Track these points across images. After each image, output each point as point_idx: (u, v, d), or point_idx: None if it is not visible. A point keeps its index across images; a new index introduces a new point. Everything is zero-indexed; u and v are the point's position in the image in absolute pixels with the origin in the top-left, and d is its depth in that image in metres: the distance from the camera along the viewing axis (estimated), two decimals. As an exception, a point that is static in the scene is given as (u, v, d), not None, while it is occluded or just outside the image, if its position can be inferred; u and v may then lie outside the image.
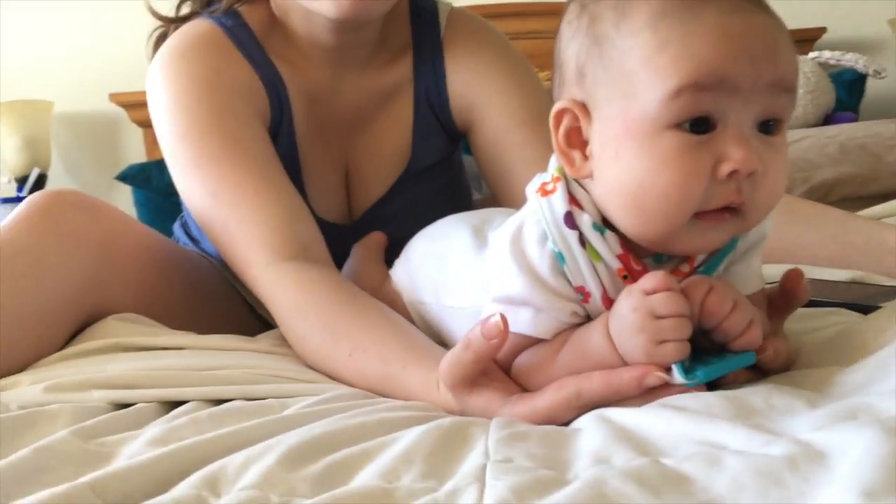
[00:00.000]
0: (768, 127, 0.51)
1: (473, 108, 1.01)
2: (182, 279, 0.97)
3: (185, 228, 1.14)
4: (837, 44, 2.42)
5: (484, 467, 0.39)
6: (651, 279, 0.51)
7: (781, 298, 0.61)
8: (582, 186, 0.56)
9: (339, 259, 0.91)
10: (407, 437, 0.44)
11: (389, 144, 1.04)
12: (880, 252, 0.90)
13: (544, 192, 0.56)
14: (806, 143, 1.40)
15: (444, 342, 0.74)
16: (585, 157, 0.55)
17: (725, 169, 0.49)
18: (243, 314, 1.04)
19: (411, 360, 0.67)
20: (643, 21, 0.51)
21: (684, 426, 0.42)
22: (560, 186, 0.56)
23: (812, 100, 1.83)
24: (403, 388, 0.66)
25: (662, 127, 0.50)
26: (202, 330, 0.86)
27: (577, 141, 0.55)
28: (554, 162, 0.58)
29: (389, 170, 1.04)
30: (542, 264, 0.55)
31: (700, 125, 0.49)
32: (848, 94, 2.21)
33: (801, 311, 0.71)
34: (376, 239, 0.98)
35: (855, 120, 1.86)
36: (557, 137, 0.55)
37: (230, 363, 0.69)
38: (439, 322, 0.77)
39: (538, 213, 0.56)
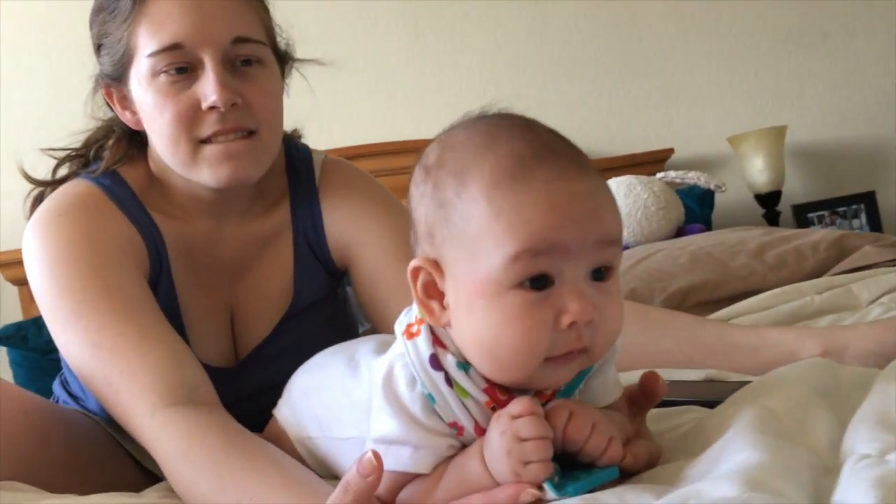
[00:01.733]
0: (601, 274, 0.57)
1: (350, 247, 1.07)
2: (62, 441, 0.95)
3: (65, 386, 1.12)
4: (685, 162, 2.66)
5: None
6: (516, 404, 0.56)
7: (642, 397, 0.66)
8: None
9: (224, 403, 0.91)
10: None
11: (272, 286, 1.07)
12: (730, 351, 0.98)
13: (409, 334, 0.61)
14: (660, 255, 1.53)
15: (334, 474, 0.76)
16: (444, 308, 0.59)
17: (565, 321, 0.55)
18: (130, 471, 1.01)
19: None
20: (479, 191, 0.56)
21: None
22: (424, 329, 0.60)
23: (664, 215, 2.00)
24: None
25: (506, 287, 0.55)
26: (87, 491, 0.84)
27: (434, 292, 0.60)
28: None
29: (273, 310, 1.07)
30: (415, 406, 0.58)
31: (539, 282, 0.55)
32: (700, 206, 2.41)
33: (660, 410, 0.77)
34: None
35: (704, 230, 2.04)
36: (416, 290, 0.60)
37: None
38: (327, 455, 0.79)
39: (405, 356, 0.60)
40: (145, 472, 0.99)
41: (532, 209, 0.54)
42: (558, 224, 0.54)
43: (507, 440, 0.55)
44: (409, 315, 0.62)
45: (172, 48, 0.90)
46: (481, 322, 0.56)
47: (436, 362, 0.58)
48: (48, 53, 2.37)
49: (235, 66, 0.93)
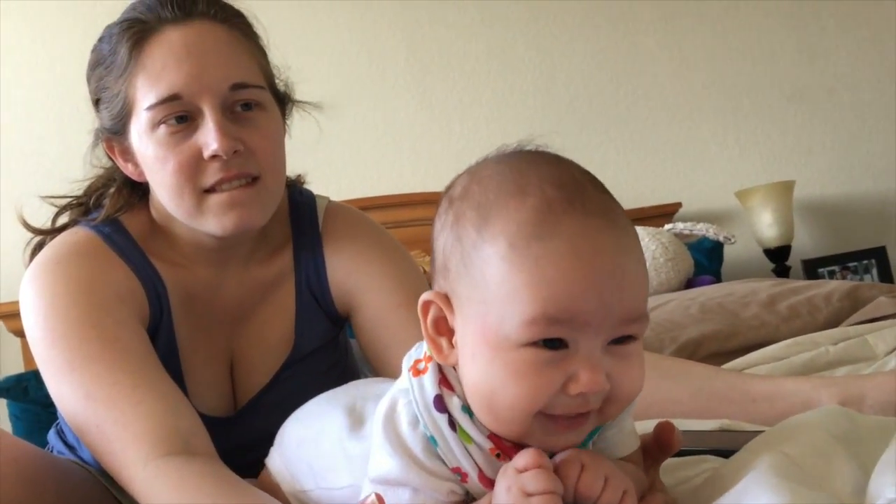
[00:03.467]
0: (621, 340, 0.54)
1: (353, 293, 1.05)
2: (54, 490, 0.92)
3: (61, 436, 1.10)
4: (692, 216, 2.65)
5: None
6: (522, 457, 0.53)
7: (656, 448, 0.64)
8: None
9: (222, 452, 0.89)
10: None
11: (273, 332, 1.05)
12: (744, 401, 0.96)
13: (416, 371, 0.58)
14: (670, 305, 1.51)
15: (329, 528, 0.72)
16: (452, 346, 0.56)
17: (574, 390, 0.51)
18: (123, 523, 0.98)
19: None
20: (501, 232, 0.52)
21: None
22: (432, 367, 0.57)
23: (673, 266, 1.99)
24: None
25: (516, 345, 0.52)
26: (78, 543, 0.81)
27: (444, 329, 0.57)
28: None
29: (274, 357, 1.05)
30: (416, 446, 0.56)
31: (553, 343, 0.52)
32: (709, 259, 2.39)
33: (674, 461, 0.74)
34: None
35: (714, 282, 2.02)
36: (426, 325, 0.57)
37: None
38: (322, 507, 0.75)
39: (409, 393, 0.57)
40: (139, 525, 0.96)
41: (555, 268, 0.51)
42: (580, 292, 0.50)
43: (514, 496, 0.52)
44: (419, 351, 0.60)
45: (171, 99, 0.90)
46: (484, 371, 0.53)
47: (440, 403, 0.56)
48: (49, 103, 2.39)
49: (235, 111, 0.93)
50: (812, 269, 2.65)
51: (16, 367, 2.22)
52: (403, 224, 2.28)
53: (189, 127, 0.91)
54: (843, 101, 2.88)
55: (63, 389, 0.88)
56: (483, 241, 0.54)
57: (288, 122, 1.05)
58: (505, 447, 0.55)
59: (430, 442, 0.55)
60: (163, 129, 0.91)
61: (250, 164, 0.93)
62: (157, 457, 0.79)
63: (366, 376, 1.27)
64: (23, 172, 2.35)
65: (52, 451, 1.09)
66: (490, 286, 0.53)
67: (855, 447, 0.60)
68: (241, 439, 0.99)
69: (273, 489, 0.80)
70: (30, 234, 1.06)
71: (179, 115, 0.91)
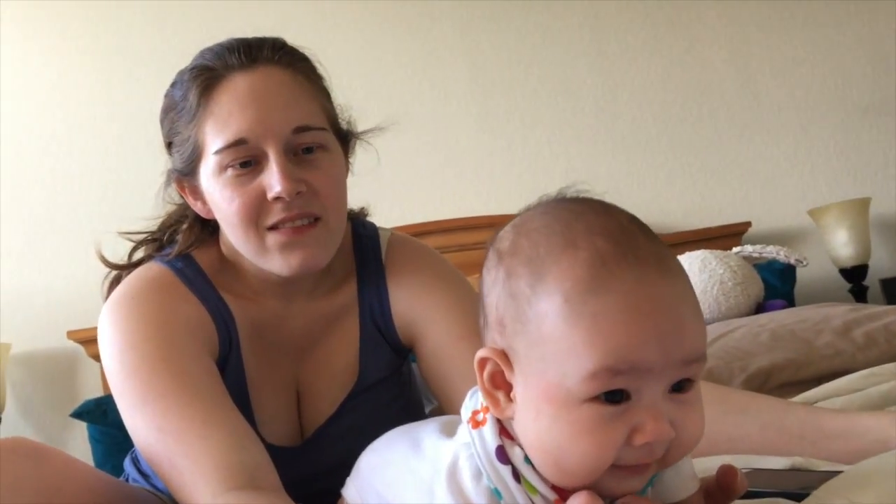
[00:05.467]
0: (680, 386, 0.54)
1: (416, 324, 1.06)
2: (128, 519, 0.95)
3: (136, 464, 1.13)
4: (763, 236, 2.59)
5: None
6: (575, 500, 0.52)
7: (718, 493, 0.62)
8: None
9: (289, 482, 0.90)
10: None
11: (338, 363, 1.07)
12: (816, 437, 0.92)
13: (475, 423, 0.58)
14: (739, 332, 1.46)
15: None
16: (510, 400, 0.56)
17: (639, 440, 0.51)
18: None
19: None
20: (556, 289, 0.52)
21: None
22: (490, 417, 0.57)
23: (742, 291, 1.93)
24: None
25: (579, 400, 0.52)
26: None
27: (501, 383, 0.57)
28: None
29: (339, 387, 1.06)
30: (480, 501, 0.55)
31: (615, 395, 0.51)
32: (781, 281, 2.32)
33: (742, 502, 0.72)
34: None
35: (786, 306, 1.95)
36: (482, 380, 0.57)
37: None
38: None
39: (471, 446, 0.57)
40: (210, 554, 0.98)
41: (613, 322, 0.51)
42: (641, 343, 0.51)
43: None
44: (475, 400, 0.60)
45: (237, 144, 0.93)
46: (548, 430, 0.53)
47: (503, 455, 0.55)
48: (127, 140, 2.49)
49: (298, 154, 0.96)
50: (891, 288, 2.55)
51: (95, 392, 2.30)
52: (466, 248, 2.30)
53: (254, 170, 0.95)
54: (921, 114, 2.77)
55: (136, 422, 0.91)
56: (538, 299, 0.54)
57: (351, 158, 1.07)
58: (568, 497, 0.55)
59: (495, 495, 0.55)
60: (230, 172, 0.95)
61: (313, 205, 0.95)
62: (225, 490, 0.81)
63: (430, 406, 1.28)
64: (101, 209, 2.45)
65: (127, 479, 1.13)
66: (548, 343, 0.53)
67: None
68: (308, 469, 1.00)
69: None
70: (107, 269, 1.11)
71: (244, 161, 0.94)
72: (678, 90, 2.74)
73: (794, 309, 1.79)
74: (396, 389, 1.11)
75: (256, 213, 0.94)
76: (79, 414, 2.02)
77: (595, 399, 0.51)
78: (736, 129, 2.74)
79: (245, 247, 0.97)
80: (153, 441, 0.88)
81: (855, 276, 2.51)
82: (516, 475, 0.55)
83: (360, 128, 1.09)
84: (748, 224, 2.60)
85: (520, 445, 0.56)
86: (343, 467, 0.94)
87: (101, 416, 2.01)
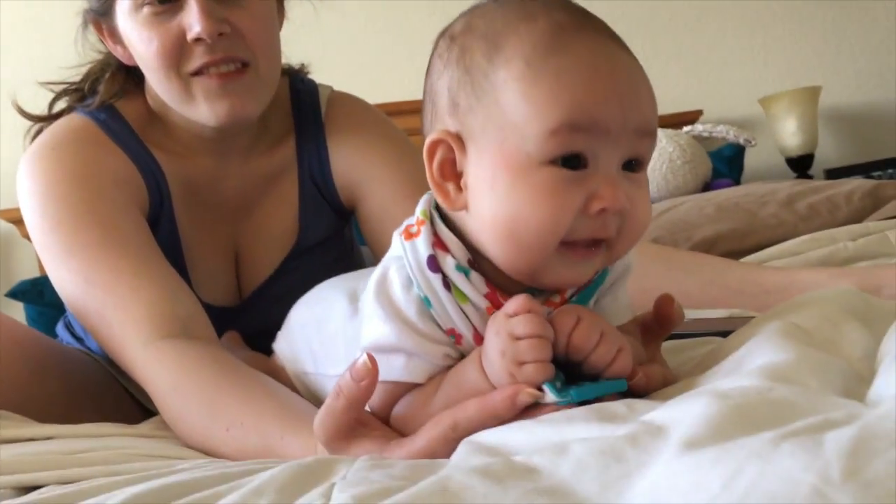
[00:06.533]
0: (632, 166, 0.53)
1: (357, 184, 1.03)
2: (59, 375, 0.93)
3: (69, 328, 1.10)
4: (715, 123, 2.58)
5: (333, 485, 0.37)
6: (513, 302, 0.51)
7: (656, 323, 0.61)
8: (451, 226, 0.56)
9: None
10: (262, 476, 0.42)
11: (277, 225, 1.04)
12: (756, 292, 0.93)
13: (408, 234, 0.56)
14: (686, 206, 1.47)
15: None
16: (460, 189, 0.54)
17: (596, 206, 0.51)
18: (129, 409, 0.99)
19: (289, 430, 0.65)
20: (514, 52, 0.52)
21: (544, 432, 0.41)
22: (424, 229, 0.55)
23: (690, 169, 1.94)
24: (283, 458, 0.63)
25: (537, 163, 0.51)
26: (83, 426, 0.82)
27: (451, 173, 0.55)
28: (421, 205, 0.57)
29: (278, 249, 1.04)
30: (409, 309, 0.54)
31: (573, 161, 0.51)
32: (728, 168, 2.33)
33: (677, 342, 0.72)
34: (230, 337, 0.96)
35: (733, 185, 1.97)
36: (431, 170, 0.55)
37: (97, 446, 0.65)
38: (322, 392, 0.75)
39: (402, 257, 0.55)
40: (145, 412, 0.97)
41: (575, 76, 0.50)
42: (602, 99, 0.50)
43: (502, 340, 0.50)
44: (411, 219, 0.57)
45: None
46: (505, 197, 0.51)
47: (434, 264, 0.54)
48: None
49: None
50: (835, 178, 2.58)
51: (31, 273, 2.24)
52: (414, 133, 2.22)
53: (174, 7, 0.87)
54: (874, 3, 2.75)
55: (63, 275, 0.87)
56: (496, 68, 0.52)
57: (286, 5, 1.01)
58: (501, 305, 0.54)
59: (424, 303, 0.54)
60: (146, 9, 0.87)
61: (239, 48, 0.89)
62: (157, 339, 0.79)
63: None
64: (16, 64, 2.30)
65: (61, 343, 1.10)
66: (506, 110, 0.51)
67: (868, 321, 0.58)
68: (246, 330, 0.98)
69: (277, 372, 0.80)
70: (28, 125, 1.04)
71: None
72: (634, -26, 2.67)
73: (740, 185, 1.80)
74: (337, 252, 1.09)
75: (177, 57, 0.87)
76: (14, 294, 1.96)
77: (553, 163, 0.51)
78: (691, 17, 2.69)
79: (168, 94, 0.91)
80: (80, 293, 0.85)
81: (801, 165, 2.53)
82: (447, 284, 0.54)
83: None
84: (700, 112, 2.58)
85: (452, 255, 0.54)
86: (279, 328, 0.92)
87: (37, 295, 1.96)
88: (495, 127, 0.52)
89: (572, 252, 0.52)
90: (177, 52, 0.87)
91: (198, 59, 0.87)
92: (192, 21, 0.86)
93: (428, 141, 0.55)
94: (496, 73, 0.52)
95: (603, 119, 0.50)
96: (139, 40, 0.89)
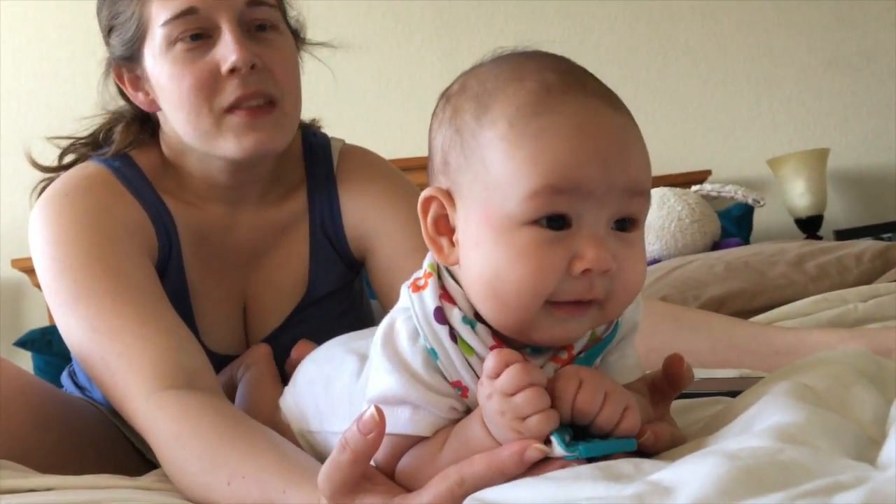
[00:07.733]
0: (624, 224, 0.53)
1: (368, 236, 1.03)
2: (61, 425, 0.92)
3: (73, 378, 1.10)
4: (723, 183, 2.59)
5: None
6: (489, 361, 0.51)
7: (665, 382, 0.61)
8: (455, 280, 0.56)
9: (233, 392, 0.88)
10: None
11: (286, 275, 1.04)
12: (766, 352, 0.92)
13: (416, 287, 0.56)
14: (695, 264, 1.47)
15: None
16: (453, 245, 0.55)
17: (579, 267, 0.50)
18: (131, 460, 0.98)
19: (292, 484, 0.64)
20: (500, 113, 0.52)
21: (550, 490, 0.41)
22: (431, 282, 0.55)
23: (699, 228, 1.94)
24: None
25: (519, 223, 0.51)
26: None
27: (444, 228, 0.56)
28: (429, 258, 0.58)
29: (287, 300, 1.03)
30: (416, 360, 0.54)
31: (556, 221, 0.51)
32: (737, 228, 2.34)
33: (687, 401, 0.72)
34: (262, 351, 0.96)
35: (742, 245, 1.96)
36: (426, 225, 0.56)
37: (98, 498, 0.65)
38: (326, 450, 0.73)
39: (409, 309, 0.55)
40: (147, 463, 0.96)
41: (557, 138, 0.50)
42: (584, 161, 0.50)
43: (496, 401, 0.50)
44: (419, 272, 0.58)
45: (187, 13, 0.88)
46: (488, 256, 0.52)
47: (441, 315, 0.54)
48: (49, 47, 2.37)
49: (251, 31, 0.91)
50: (845, 239, 2.58)
51: (40, 322, 2.24)
52: (425, 188, 2.25)
53: (206, 44, 0.89)
54: (881, 68, 2.79)
55: (69, 321, 0.87)
56: (482, 128, 0.53)
57: (303, 71, 1.03)
58: None
59: (431, 355, 0.54)
60: (179, 46, 0.89)
61: (269, 84, 0.90)
62: (160, 389, 0.78)
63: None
64: (26, 115, 2.35)
65: (65, 392, 1.09)
66: (491, 170, 0.52)
67: (879, 383, 0.57)
68: (253, 380, 0.98)
69: (283, 429, 0.79)
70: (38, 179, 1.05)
71: (195, 33, 0.89)
72: (644, 37, 2.71)
73: (750, 245, 1.80)
74: (346, 304, 1.09)
75: (210, 91, 0.89)
76: (23, 343, 1.97)
77: (535, 223, 0.51)
78: (700, 77, 2.73)
79: (196, 131, 0.91)
80: (86, 340, 0.85)
81: (810, 226, 2.53)
82: (453, 336, 0.53)
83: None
84: (708, 172, 2.60)
85: (459, 308, 0.54)
86: (288, 380, 0.91)
87: (45, 345, 1.96)
88: (481, 186, 0.52)
89: (558, 309, 0.52)
90: (210, 87, 0.89)
91: (231, 93, 0.88)
92: (227, 52, 0.88)
93: (421, 197, 0.56)
94: (483, 134, 0.53)
95: (585, 181, 0.50)
96: (171, 78, 0.90)
